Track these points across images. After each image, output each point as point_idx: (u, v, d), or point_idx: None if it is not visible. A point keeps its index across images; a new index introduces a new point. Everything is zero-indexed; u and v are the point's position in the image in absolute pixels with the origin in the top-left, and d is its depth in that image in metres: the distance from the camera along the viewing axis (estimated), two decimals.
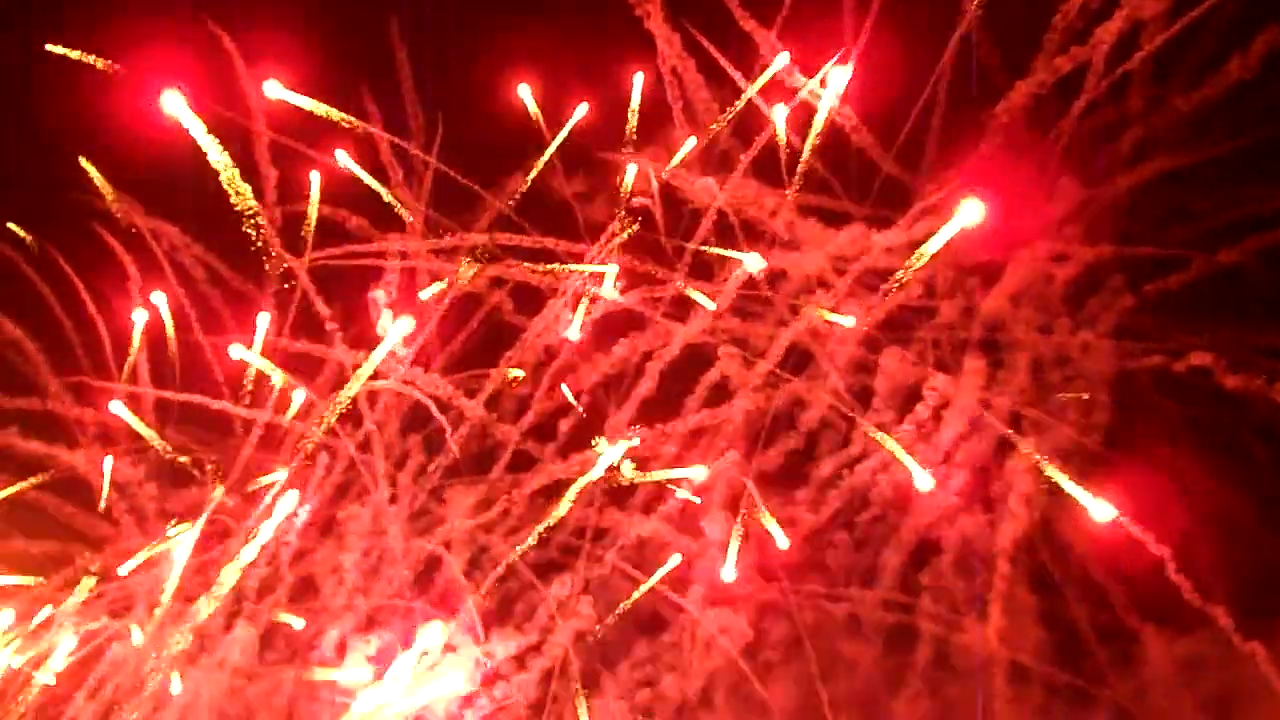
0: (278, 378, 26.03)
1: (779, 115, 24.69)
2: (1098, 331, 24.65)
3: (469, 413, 25.43)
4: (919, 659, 24.52)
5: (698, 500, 24.65)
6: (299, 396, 26.25)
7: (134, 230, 28.10)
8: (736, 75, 25.29)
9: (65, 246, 28.46)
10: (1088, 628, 24.66)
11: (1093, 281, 25.23)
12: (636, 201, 25.66)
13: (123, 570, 25.96)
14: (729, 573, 24.12)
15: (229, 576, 24.50)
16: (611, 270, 25.16)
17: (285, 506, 24.30)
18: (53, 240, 28.31)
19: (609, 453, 23.32)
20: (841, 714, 23.92)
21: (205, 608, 24.45)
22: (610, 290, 25.10)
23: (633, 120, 25.98)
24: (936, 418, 23.95)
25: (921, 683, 24.42)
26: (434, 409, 25.11)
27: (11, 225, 27.88)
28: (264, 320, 26.43)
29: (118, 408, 26.59)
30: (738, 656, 24.15)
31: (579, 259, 26.37)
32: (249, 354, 25.92)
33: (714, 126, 25.52)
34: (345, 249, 26.54)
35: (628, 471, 23.80)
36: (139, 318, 27.42)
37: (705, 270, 26.15)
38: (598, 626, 24.32)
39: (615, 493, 24.88)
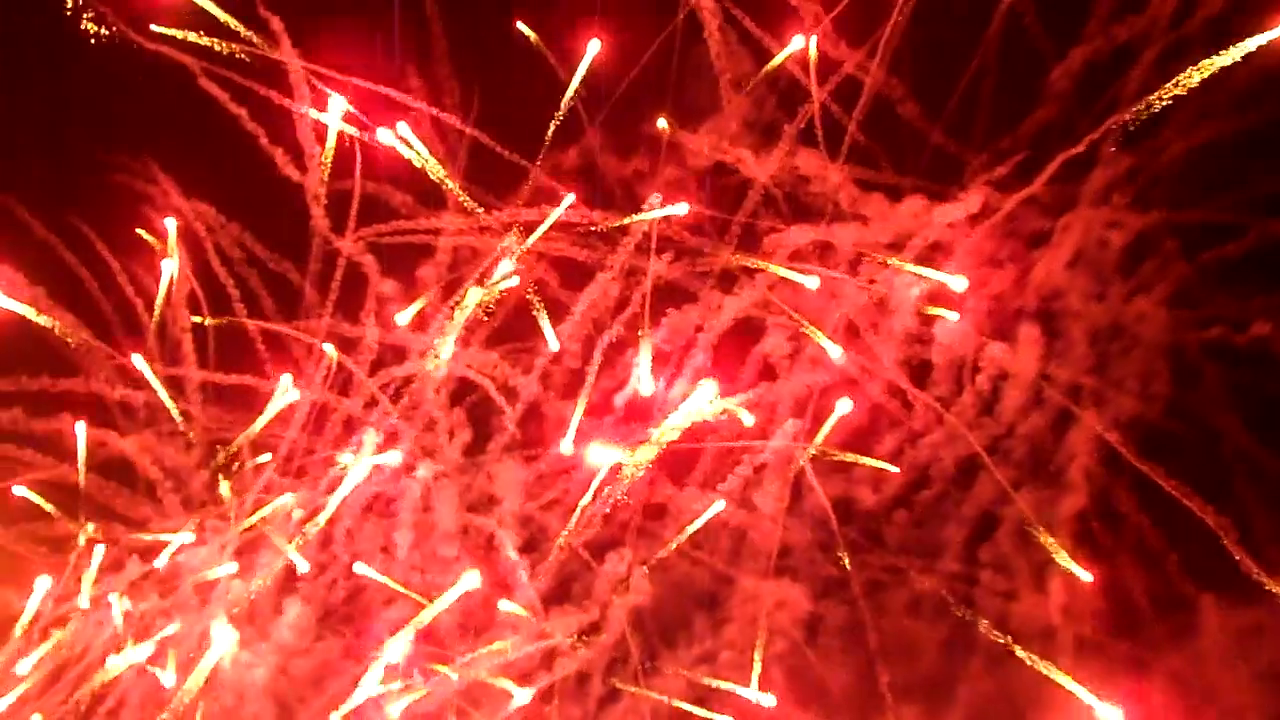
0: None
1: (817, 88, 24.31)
2: (1153, 299, 24.27)
3: (522, 390, 25.13)
4: (978, 633, 24.17)
5: None
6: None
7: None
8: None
9: (104, 228, 28.15)
10: (1146, 599, 24.37)
11: (1146, 249, 24.89)
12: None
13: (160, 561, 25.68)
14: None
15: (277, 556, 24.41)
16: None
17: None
18: (92, 221, 27.95)
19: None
20: (900, 688, 23.65)
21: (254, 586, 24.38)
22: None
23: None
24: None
25: (982, 657, 24.07)
26: (491, 389, 24.79)
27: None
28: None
29: (139, 361, 26.15)
30: (795, 630, 23.83)
31: (624, 234, 26.01)
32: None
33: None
34: (393, 225, 26.07)
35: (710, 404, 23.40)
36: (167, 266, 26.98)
37: (753, 243, 25.80)
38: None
39: (673, 468, 24.54)
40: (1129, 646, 24.52)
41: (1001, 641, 23.74)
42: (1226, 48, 23.13)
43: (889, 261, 24.10)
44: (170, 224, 27.20)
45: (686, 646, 24.86)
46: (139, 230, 27.32)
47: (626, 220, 25.16)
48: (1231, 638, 24.09)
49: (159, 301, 27.58)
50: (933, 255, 24.03)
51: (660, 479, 24.70)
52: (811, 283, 24.06)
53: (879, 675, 24.14)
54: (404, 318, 25.22)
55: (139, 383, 27.75)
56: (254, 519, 25.23)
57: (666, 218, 25.38)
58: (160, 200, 27.63)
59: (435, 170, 25.80)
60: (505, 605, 24.35)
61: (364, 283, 27.07)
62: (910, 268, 23.56)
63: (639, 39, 25.85)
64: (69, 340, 27.32)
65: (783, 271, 24.41)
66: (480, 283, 25.49)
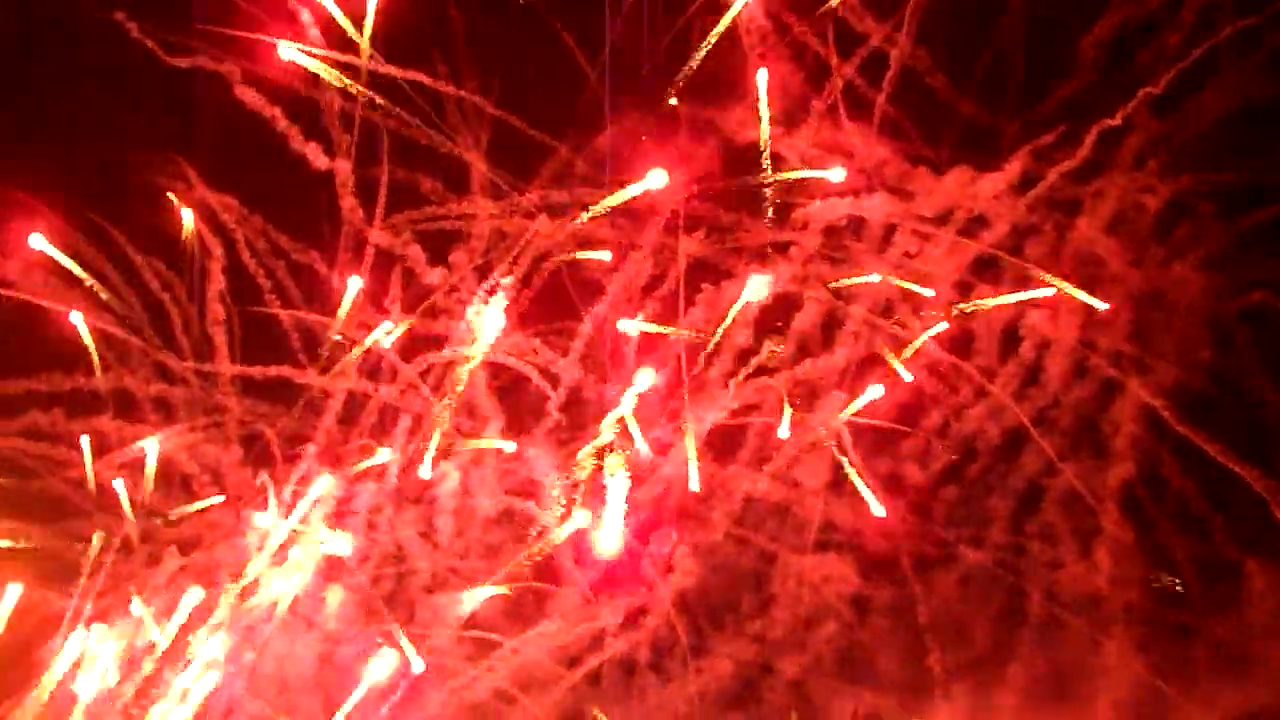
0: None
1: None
2: (1191, 264, 24.14)
3: (563, 373, 25.03)
4: (1027, 604, 24.12)
5: None
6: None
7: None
8: None
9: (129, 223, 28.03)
10: (1192, 567, 24.29)
11: (1182, 214, 24.73)
12: None
13: None
14: None
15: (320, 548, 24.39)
16: None
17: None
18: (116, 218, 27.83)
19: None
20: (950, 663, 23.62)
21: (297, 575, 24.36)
22: None
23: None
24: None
25: (1029, 628, 24.03)
26: (535, 375, 24.69)
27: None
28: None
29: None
30: (843, 605, 23.80)
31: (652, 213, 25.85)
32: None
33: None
34: (425, 211, 25.95)
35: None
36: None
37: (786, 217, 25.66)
38: None
39: (718, 449, 24.44)
40: (1175, 614, 24.27)
41: (1052, 612, 23.56)
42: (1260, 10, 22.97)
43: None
44: (187, 214, 26.90)
45: (735, 627, 24.67)
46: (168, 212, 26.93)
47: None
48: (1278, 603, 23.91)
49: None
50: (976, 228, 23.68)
51: (704, 459, 24.49)
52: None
53: (929, 652, 24.00)
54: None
55: (172, 378, 27.65)
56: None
57: (693, 196, 25.07)
58: (183, 194, 27.31)
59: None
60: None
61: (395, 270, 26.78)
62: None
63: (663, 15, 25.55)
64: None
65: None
66: (514, 266, 25.33)
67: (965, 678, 24.29)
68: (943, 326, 23.99)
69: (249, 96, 25.62)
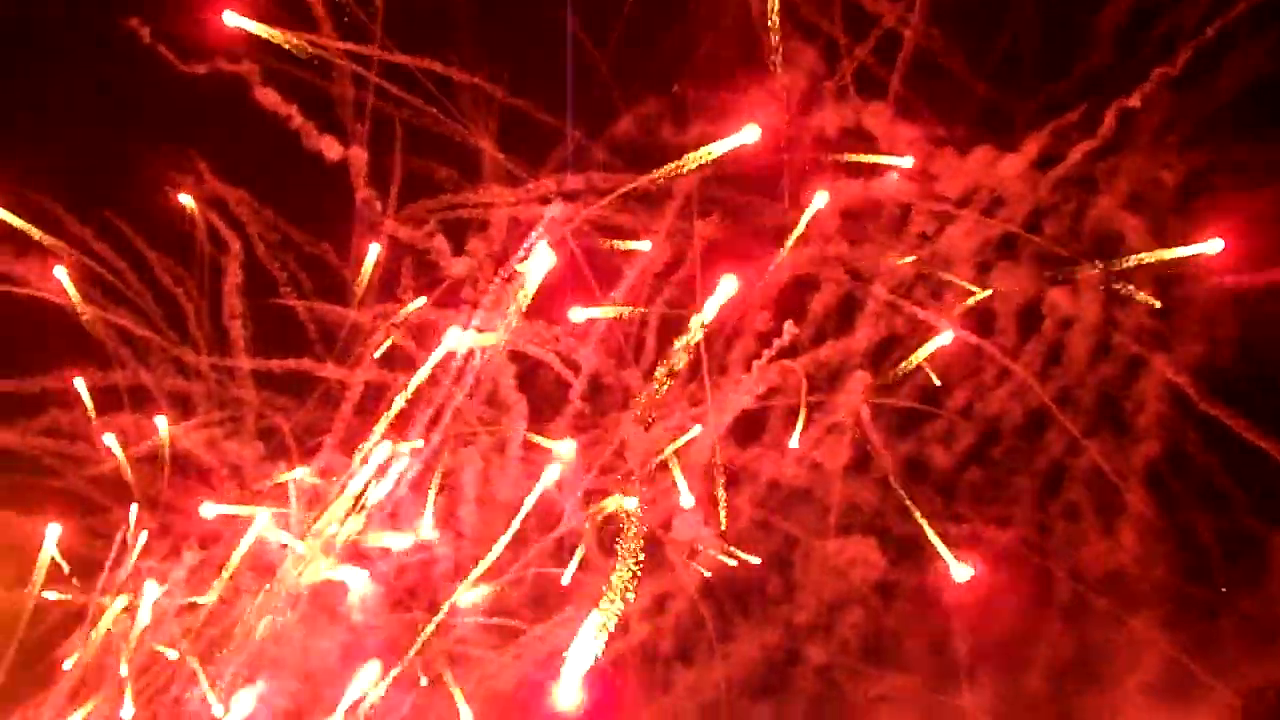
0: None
1: None
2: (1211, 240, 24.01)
3: (584, 361, 24.94)
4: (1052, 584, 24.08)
5: None
6: None
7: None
8: None
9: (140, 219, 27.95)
10: (1216, 541, 24.23)
11: (1201, 188, 24.60)
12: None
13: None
14: None
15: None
16: None
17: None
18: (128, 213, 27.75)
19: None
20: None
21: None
22: None
23: None
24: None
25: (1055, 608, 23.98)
26: (557, 363, 24.60)
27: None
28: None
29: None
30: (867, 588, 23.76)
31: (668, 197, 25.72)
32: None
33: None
34: (442, 200, 25.87)
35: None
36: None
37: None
38: None
39: (743, 432, 24.39)
40: (1200, 590, 24.21)
41: (1078, 591, 23.51)
42: None
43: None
44: (191, 205, 26.77)
45: (760, 610, 24.62)
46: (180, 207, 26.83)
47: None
48: None
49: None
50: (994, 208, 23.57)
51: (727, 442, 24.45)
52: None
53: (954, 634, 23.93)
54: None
55: (188, 373, 27.61)
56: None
57: (710, 177, 24.96)
58: (194, 188, 27.21)
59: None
60: None
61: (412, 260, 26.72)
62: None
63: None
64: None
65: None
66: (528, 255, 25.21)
67: (991, 659, 24.11)
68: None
69: (265, 95, 25.36)
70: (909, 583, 24.51)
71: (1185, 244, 24.04)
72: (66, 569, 26.17)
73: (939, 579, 23.63)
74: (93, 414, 26.74)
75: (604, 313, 24.75)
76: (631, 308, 24.82)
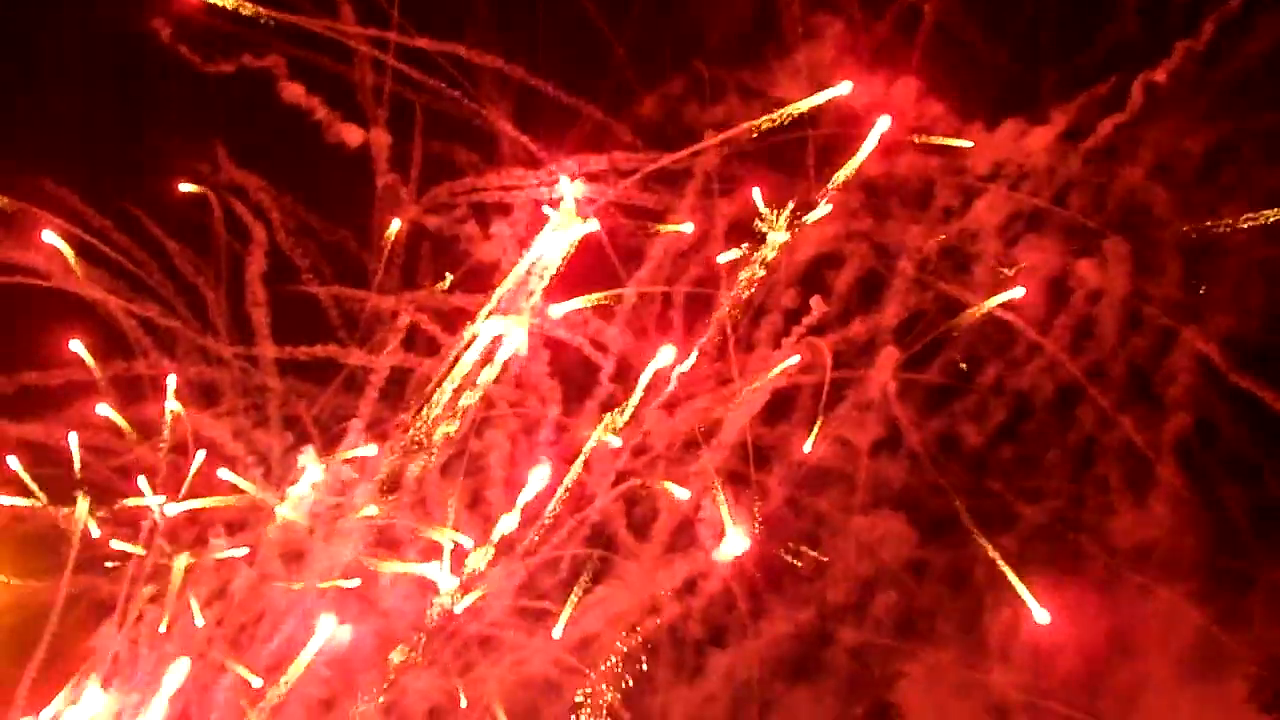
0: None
1: None
2: (1239, 209, 23.84)
3: (611, 344, 24.89)
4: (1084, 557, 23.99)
5: None
6: None
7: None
8: None
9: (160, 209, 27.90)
10: (1245, 513, 24.14)
11: (1227, 158, 24.41)
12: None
13: None
14: None
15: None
16: None
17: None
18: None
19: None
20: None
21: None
22: None
23: None
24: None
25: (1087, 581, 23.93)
26: (587, 346, 24.56)
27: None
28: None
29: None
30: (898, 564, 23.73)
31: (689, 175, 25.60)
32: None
33: None
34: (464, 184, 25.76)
35: None
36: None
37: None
38: None
39: (775, 410, 24.32)
40: (1231, 562, 24.13)
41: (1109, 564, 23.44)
42: None
43: None
44: (187, 188, 26.71)
45: (793, 589, 24.60)
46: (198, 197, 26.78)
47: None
48: None
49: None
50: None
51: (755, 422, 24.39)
52: None
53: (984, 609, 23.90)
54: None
55: (211, 360, 27.57)
56: None
57: (731, 156, 24.81)
58: (212, 177, 27.16)
59: None
60: None
61: (432, 247, 26.64)
62: None
63: None
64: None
65: None
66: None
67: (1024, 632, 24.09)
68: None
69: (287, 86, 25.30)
70: (940, 559, 24.31)
71: (1211, 217, 23.86)
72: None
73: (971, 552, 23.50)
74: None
75: (584, 301, 24.57)
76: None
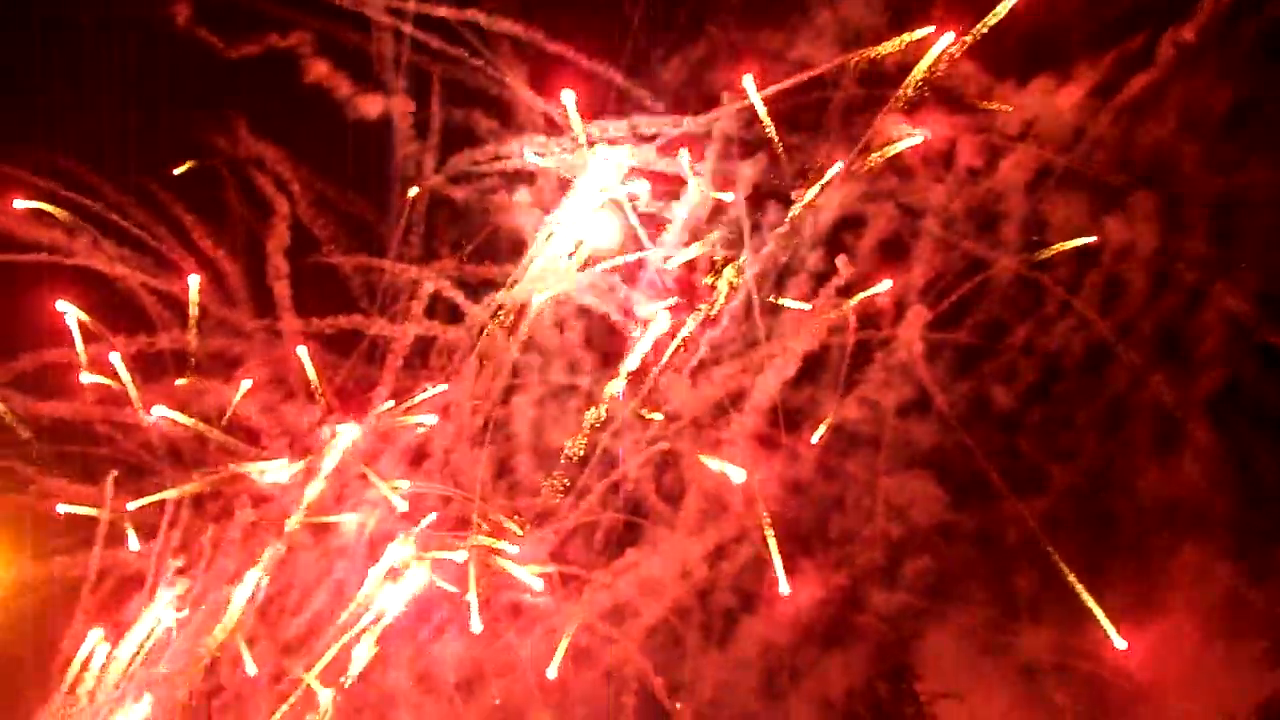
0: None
1: None
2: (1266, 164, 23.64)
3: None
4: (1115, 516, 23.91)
5: None
6: None
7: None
8: None
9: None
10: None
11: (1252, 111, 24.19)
12: None
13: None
14: None
15: None
16: None
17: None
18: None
19: None
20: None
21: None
22: None
23: None
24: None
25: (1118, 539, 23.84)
26: (613, 312, 24.51)
27: None
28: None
29: None
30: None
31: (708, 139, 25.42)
32: None
33: None
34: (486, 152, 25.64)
35: None
36: None
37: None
38: None
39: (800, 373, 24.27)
40: (1262, 518, 24.06)
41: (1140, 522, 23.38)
42: None
43: None
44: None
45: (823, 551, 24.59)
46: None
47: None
48: None
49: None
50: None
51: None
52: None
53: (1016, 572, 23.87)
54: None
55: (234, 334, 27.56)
56: None
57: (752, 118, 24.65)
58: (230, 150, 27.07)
59: None
60: None
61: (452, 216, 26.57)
62: None
63: None
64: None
65: None
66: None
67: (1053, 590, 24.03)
68: None
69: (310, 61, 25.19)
70: (969, 523, 24.26)
71: (1239, 171, 23.66)
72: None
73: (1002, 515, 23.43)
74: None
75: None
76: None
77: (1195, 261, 23.43)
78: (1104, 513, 24.10)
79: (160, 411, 26.29)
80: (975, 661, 24.16)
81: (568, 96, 24.04)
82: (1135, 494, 24.11)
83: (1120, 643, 23.03)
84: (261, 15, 25.08)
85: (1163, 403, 23.46)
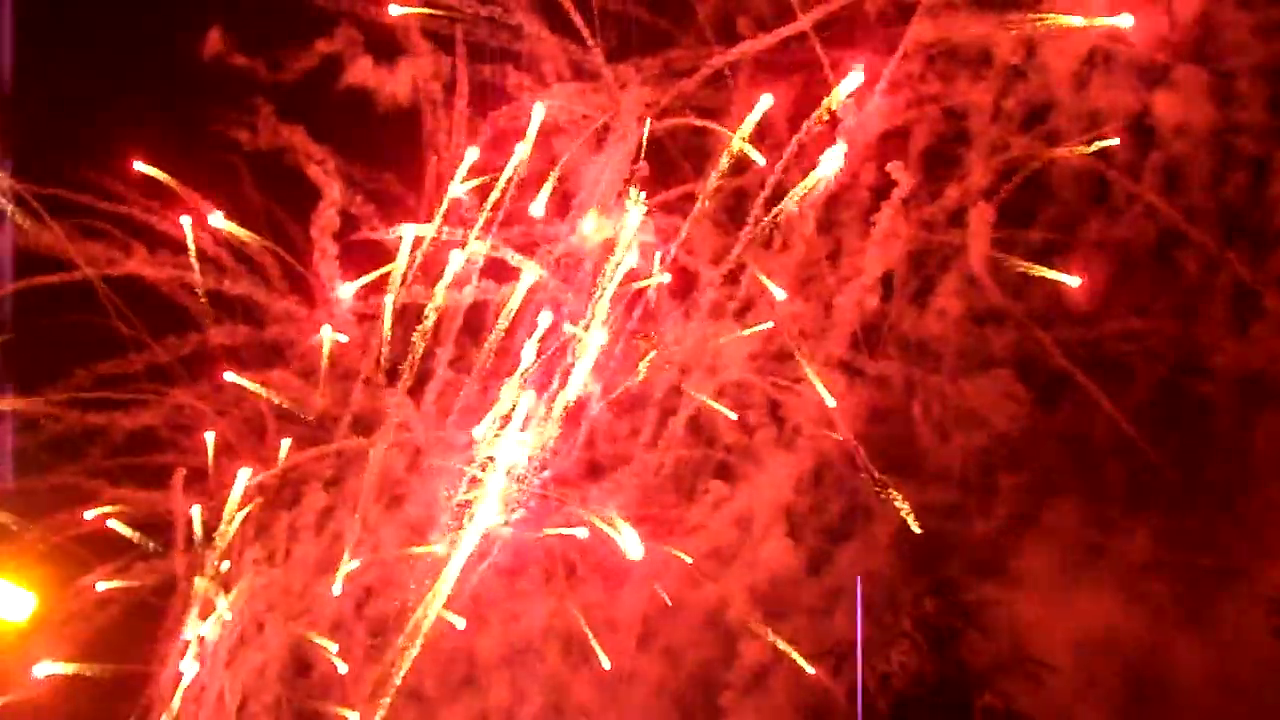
0: None
1: None
2: None
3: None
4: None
5: None
6: None
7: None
8: None
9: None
10: None
11: None
12: None
13: None
14: None
15: None
16: None
17: None
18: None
19: None
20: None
21: None
22: None
23: None
24: None
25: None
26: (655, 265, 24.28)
27: None
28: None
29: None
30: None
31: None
32: None
33: None
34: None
35: None
36: None
37: None
38: None
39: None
40: None
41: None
42: None
43: None
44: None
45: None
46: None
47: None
48: None
49: None
50: None
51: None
52: None
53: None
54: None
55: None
56: None
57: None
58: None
59: None
60: None
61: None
62: None
63: None
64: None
65: None
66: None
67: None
68: None
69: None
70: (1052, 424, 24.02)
71: None
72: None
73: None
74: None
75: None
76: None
77: (1255, 132, 22.89)
78: (1192, 398, 23.64)
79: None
80: (1075, 561, 23.86)
81: None
82: (1218, 375, 23.62)
83: None
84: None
85: (1241, 279, 22.95)
